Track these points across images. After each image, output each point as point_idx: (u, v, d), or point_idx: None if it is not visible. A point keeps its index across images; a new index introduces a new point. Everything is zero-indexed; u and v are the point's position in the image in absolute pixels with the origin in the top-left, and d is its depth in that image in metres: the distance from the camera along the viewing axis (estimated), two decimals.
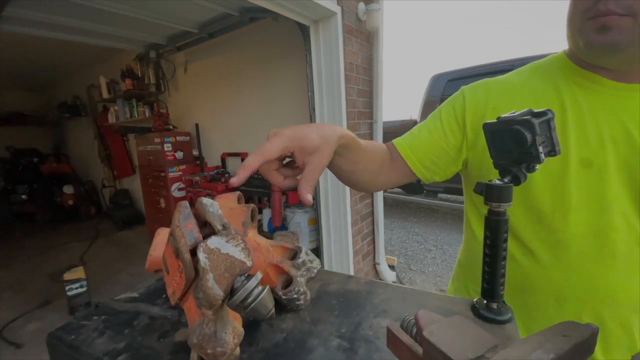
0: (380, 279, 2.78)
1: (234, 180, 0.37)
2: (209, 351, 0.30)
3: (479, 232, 0.64)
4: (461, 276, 0.71)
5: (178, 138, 3.50)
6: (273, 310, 0.31)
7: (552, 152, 0.40)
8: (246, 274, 0.30)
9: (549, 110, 0.39)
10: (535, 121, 0.38)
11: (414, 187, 5.05)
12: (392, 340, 0.31)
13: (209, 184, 3.01)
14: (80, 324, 0.47)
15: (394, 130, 4.24)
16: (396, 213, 5.10)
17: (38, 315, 2.54)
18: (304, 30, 2.09)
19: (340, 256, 2.36)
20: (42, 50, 3.71)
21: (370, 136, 2.58)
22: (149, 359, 0.39)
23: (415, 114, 4.62)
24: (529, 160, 0.40)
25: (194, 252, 0.29)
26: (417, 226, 4.45)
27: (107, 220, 5.02)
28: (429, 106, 4.11)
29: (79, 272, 2.53)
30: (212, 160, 3.55)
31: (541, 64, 0.60)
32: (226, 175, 3.10)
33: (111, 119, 4.32)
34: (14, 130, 5.68)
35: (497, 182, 0.42)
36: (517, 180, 0.41)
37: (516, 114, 0.41)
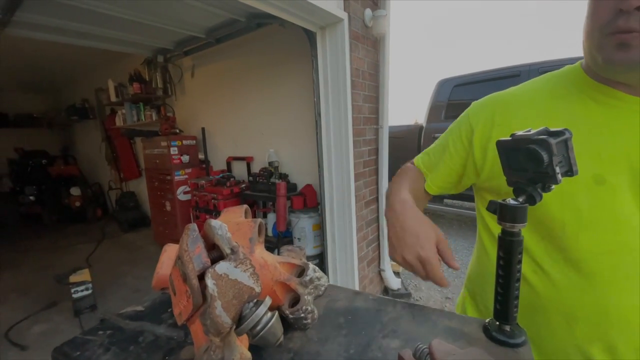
0: (385, 286, 2.75)
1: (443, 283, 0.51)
2: None
3: (491, 248, 0.62)
4: (471, 291, 0.69)
5: (184, 142, 3.52)
6: (282, 338, 0.30)
7: (569, 172, 0.39)
8: (255, 300, 0.29)
9: (566, 129, 0.38)
10: (553, 141, 0.36)
11: None
12: None
13: (214, 188, 3.01)
14: (85, 339, 0.47)
15: (400, 135, 4.24)
16: None
17: (44, 317, 2.55)
18: (310, 36, 2.09)
19: (345, 262, 2.34)
20: (51, 53, 3.77)
21: (376, 142, 2.56)
22: None
23: (421, 119, 4.60)
24: (545, 180, 0.39)
25: (202, 276, 0.28)
26: None
27: (113, 222, 5.06)
28: (435, 111, 4.09)
29: (84, 275, 2.54)
30: (218, 164, 3.56)
31: (555, 75, 0.60)
32: (231, 179, 3.10)
33: (119, 122, 4.37)
34: (23, 132, 5.78)
35: (512, 201, 0.40)
36: (532, 200, 0.40)
37: (532, 132, 0.40)
